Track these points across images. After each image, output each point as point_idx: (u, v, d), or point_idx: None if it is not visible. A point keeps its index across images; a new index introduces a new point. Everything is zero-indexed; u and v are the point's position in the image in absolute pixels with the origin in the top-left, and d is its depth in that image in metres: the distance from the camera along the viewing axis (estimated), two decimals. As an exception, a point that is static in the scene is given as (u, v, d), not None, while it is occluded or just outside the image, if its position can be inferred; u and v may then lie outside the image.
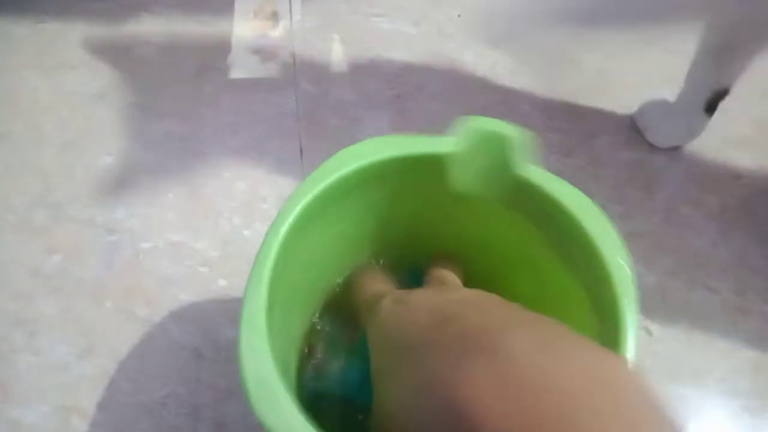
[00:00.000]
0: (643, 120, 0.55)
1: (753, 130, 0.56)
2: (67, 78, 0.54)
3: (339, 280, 0.33)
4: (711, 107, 0.50)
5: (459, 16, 0.63)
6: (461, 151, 0.29)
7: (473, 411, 0.17)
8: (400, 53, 0.59)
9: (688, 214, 0.49)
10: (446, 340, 0.20)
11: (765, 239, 0.48)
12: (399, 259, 0.34)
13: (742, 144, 0.54)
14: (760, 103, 0.57)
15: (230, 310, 0.41)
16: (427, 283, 0.30)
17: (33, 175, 0.48)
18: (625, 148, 0.53)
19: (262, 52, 0.58)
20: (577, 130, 0.54)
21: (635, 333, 0.24)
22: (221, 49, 0.58)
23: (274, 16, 0.61)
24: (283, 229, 0.25)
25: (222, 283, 0.43)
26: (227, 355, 0.40)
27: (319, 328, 0.33)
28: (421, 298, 0.24)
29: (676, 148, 0.53)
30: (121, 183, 0.48)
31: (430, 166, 0.29)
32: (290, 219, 0.26)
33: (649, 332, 0.43)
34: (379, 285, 0.30)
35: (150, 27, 0.59)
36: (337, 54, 0.58)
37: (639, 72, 0.58)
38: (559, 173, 0.28)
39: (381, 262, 0.34)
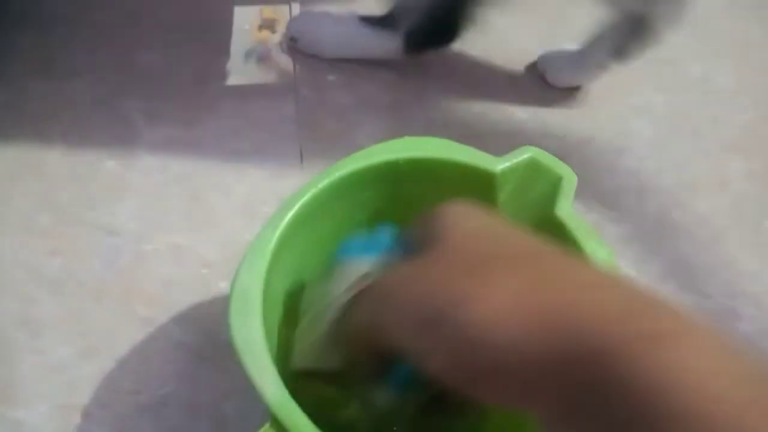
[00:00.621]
0: (543, 62, 0.58)
1: (742, 137, 0.57)
2: (70, 85, 0.55)
3: None
4: (620, 51, 0.51)
5: None
6: (511, 173, 0.30)
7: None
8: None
9: (679, 219, 0.50)
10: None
11: (755, 244, 0.49)
12: None
13: (732, 149, 0.55)
14: (750, 109, 0.59)
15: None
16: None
17: (36, 178, 0.49)
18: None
19: (262, 59, 0.59)
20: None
21: None
22: (221, 55, 0.59)
23: (274, 23, 0.62)
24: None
25: (222, 284, 0.43)
26: (227, 355, 0.40)
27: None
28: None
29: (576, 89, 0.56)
30: (123, 186, 0.49)
31: (478, 179, 0.30)
32: None
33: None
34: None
35: (152, 34, 0.60)
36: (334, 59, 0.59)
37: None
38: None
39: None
